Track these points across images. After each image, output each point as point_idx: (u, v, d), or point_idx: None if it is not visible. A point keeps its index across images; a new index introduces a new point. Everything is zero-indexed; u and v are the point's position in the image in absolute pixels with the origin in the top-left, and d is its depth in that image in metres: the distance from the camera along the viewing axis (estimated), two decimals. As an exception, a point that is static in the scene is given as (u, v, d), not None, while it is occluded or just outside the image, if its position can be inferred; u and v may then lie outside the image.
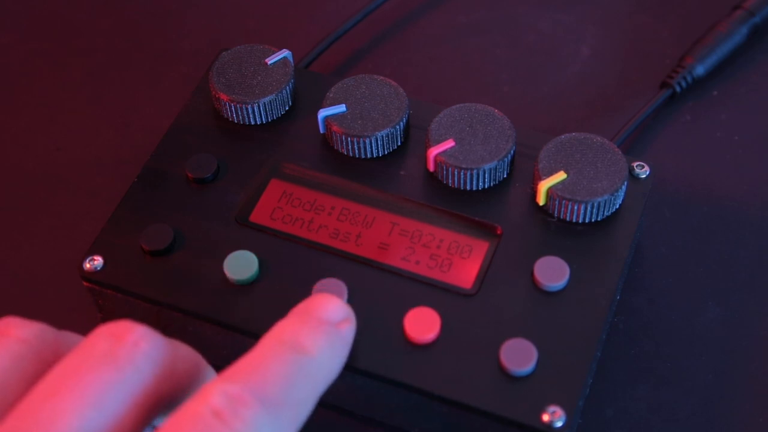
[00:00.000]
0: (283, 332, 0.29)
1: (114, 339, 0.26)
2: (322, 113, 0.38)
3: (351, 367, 0.34)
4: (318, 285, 0.35)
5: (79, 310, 0.39)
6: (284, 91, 0.39)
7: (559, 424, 0.32)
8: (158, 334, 0.27)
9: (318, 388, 0.28)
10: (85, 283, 0.36)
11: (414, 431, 0.35)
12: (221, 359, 0.33)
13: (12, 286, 0.41)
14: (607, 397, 0.37)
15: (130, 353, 0.26)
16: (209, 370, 0.30)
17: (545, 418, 0.32)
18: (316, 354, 0.28)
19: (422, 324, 0.34)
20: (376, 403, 0.35)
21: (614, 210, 0.37)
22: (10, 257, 0.42)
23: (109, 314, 0.37)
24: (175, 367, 0.27)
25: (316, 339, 0.29)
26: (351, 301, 0.35)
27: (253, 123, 0.40)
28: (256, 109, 0.39)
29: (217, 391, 0.25)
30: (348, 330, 0.31)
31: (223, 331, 0.35)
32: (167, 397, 0.27)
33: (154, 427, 0.28)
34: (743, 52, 0.46)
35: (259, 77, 0.40)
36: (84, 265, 0.36)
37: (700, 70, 0.45)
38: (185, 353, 0.28)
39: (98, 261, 0.36)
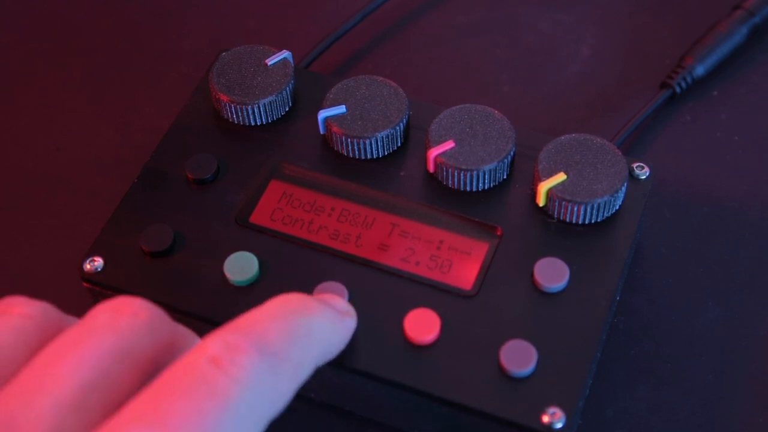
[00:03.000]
0: (289, 298, 0.29)
1: (115, 311, 0.26)
2: (322, 114, 0.38)
3: (351, 368, 0.34)
4: (318, 288, 0.35)
5: (79, 310, 0.39)
6: (284, 92, 0.39)
7: (559, 425, 0.32)
8: (158, 307, 0.27)
9: (317, 354, 0.28)
10: (85, 284, 0.36)
11: (414, 432, 0.36)
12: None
13: (12, 286, 0.41)
14: (607, 397, 0.37)
15: (130, 323, 0.26)
16: (195, 342, 0.30)
17: (545, 419, 0.32)
18: (319, 317, 0.29)
19: (422, 325, 0.34)
20: (376, 404, 0.35)
21: (614, 211, 0.37)
22: (10, 257, 0.42)
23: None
24: (175, 342, 0.27)
25: (320, 307, 0.29)
26: (351, 302, 0.35)
27: (253, 123, 0.40)
28: (256, 109, 0.39)
29: (216, 339, 0.25)
30: (349, 320, 0.31)
31: (224, 332, 0.35)
32: (163, 365, 0.27)
33: None
34: (743, 52, 0.46)
35: (259, 78, 0.40)
36: (84, 266, 0.36)
37: (700, 70, 0.45)
38: (185, 332, 0.28)
39: (98, 262, 0.36)
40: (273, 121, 0.40)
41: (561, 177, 0.36)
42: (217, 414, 0.24)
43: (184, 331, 0.28)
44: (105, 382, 0.25)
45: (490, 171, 0.37)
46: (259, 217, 0.37)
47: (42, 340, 0.26)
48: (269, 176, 0.38)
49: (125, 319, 0.26)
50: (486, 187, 0.37)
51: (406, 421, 0.35)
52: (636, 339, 0.38)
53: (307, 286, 0.35)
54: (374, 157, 0.39)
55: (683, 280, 0.40)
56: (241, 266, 0.35)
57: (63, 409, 0.24)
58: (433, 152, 0.37)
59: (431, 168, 0.38)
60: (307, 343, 0.27)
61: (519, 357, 0.33)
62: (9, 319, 0.26)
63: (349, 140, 0.38)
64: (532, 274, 0.35)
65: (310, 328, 0.28)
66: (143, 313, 0.26)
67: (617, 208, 0.37)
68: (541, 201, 0.37)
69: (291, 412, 0.28)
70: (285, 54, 0.40)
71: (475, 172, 0.37)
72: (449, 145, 0.37)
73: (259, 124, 0.40)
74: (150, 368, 0.26)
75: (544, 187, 0.36)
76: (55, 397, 0.24)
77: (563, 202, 0.36)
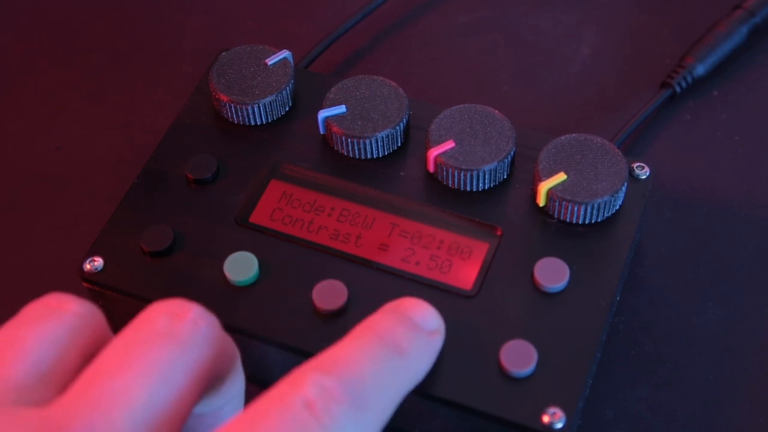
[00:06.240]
0: (380, 326, 0.28)
1: (173, 317, 0.26)
2: (322, 114, 0.38)
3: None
4: (318, 286, 0.35)
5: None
6: (284, 92, 0.39)
7: (559, 425, 0.32)
8: (212, 314, 0.26)
9: (403, 393, 0.27)
10: (85, 284, 0.36)
11: (414, 432, 0.36)
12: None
13: (12, 286, 0.41)
14: (607, 398, 0.37)
15: (190, 331, 0.25)
16: (237, 353, 0.29)
17: (545, 419, 0.32)
18: (410, 355, 0.28)
19: (422, 325, 0.34)
20: (376, 404, 0.35)
21: (614, 211, 0.37)
22: (10, 257, 0.42)
23: (109, 315, 0.37)
24: (223, 349, 0.27)
25: (411, 340, 0.28)
26: (351, 302, 0.35)
27: (253, 123, 0.40)
28: (256, 109, 0.39)
29: (312, 380, 0.25)
30: (437, 340, 0.30)
31: (224, 332, 0.35)
32: (214, 377, 0.27)
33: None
34: (743, 52, 0.46)
35: (259, 78, 0.40)
36: (84, 266, 0.36)
37: (700, 70, 0.45)
38: (228, 338, 0.28)
39: (98, 262, 0.36)
40: (273, 121, 0.40)
41: (561, 177, 0.36)
42: None
43: (228, 338, 0.27)
44: (170, 392, 0.24)
45: (490, 171, 0.37)
46: (259, 217, 0.37)
47: (93, 340, 0.26)
48: (269, 176, 0.38)
49: (185, 327, 0.25)
50: (486, 187, 0.37)
51: (406, 422, 0.35)
52: (636, 339, 0.38)
53: (307, 286, 0.35)
54: (374, 157, 0.39)
55: (683, 280, 0.40)
56: (241, 266, 0.35)
57: (137, 421, 0.23)
58: (433, 152, 0.37)
59: (431, 168, 0.38)
60: (396, 384, 0.27)
61: (519, 357, 0.33)
62: (64, 317, 0.26)
63: (349, 140, 0.38)
64: (532, 274, 0.35)
65: (403, 367, 0.27)
66: (202, 321, 0.26)
67: (617, 208, 0.37)
68: (541, 201, 0.37)
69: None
70: (285, 54, 0.40)
71: (475, 172, 0.37)
72: (449, 145, 0.37)
73: (259, 124, 0.40)
74: (205, 380, 0.25)
75: (544, 187, 0.36)
76: (130, 410, 0.23)
77: (563, 202, 0.36)
